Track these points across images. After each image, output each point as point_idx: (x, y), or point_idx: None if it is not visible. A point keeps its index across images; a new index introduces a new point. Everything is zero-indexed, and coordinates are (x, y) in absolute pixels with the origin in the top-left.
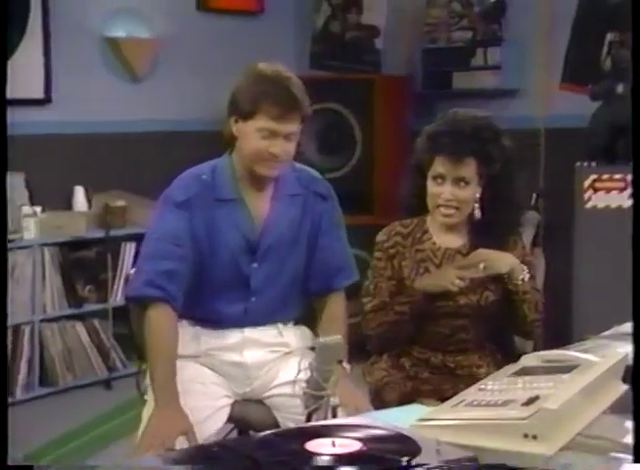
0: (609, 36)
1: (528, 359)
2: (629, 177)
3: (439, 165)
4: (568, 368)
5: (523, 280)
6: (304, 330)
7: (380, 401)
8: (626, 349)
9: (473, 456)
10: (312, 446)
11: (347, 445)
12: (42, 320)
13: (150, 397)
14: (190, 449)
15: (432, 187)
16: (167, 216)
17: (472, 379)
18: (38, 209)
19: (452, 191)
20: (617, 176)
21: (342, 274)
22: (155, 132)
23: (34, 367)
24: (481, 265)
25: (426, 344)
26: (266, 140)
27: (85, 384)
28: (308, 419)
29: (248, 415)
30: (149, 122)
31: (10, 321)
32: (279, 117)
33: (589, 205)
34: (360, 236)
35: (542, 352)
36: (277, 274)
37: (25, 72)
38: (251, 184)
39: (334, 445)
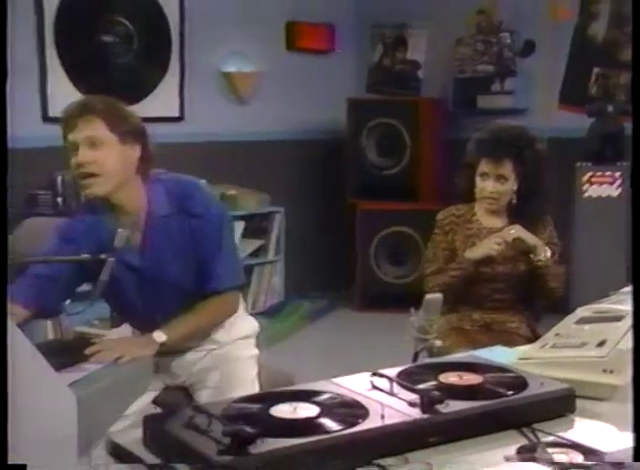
0: (595, 70)
1: (582, 311)
2: (617, 174)
3: (484, 165)
4: (617, 317)
5: (545, 257)
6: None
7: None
8: None
9: (570, 387)
10: (443, 377)
11: (472, 378)
12: None
13: None
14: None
15: (479, 182)
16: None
17: (505, 333)
18: None
19: (494, 186)
20: (608, 173)
21: (216, 280)
22: (256, 141)
23: None
24: (512, 231)
25: (469, 302)
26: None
27: None
28: (415, 358)
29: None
30: (252, 134)
31: None
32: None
33: (586, 195)
34: (408, 218)
35: (592, 305)
36: (160, 287)
37: (166, 97)
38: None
39: (460, 378)
